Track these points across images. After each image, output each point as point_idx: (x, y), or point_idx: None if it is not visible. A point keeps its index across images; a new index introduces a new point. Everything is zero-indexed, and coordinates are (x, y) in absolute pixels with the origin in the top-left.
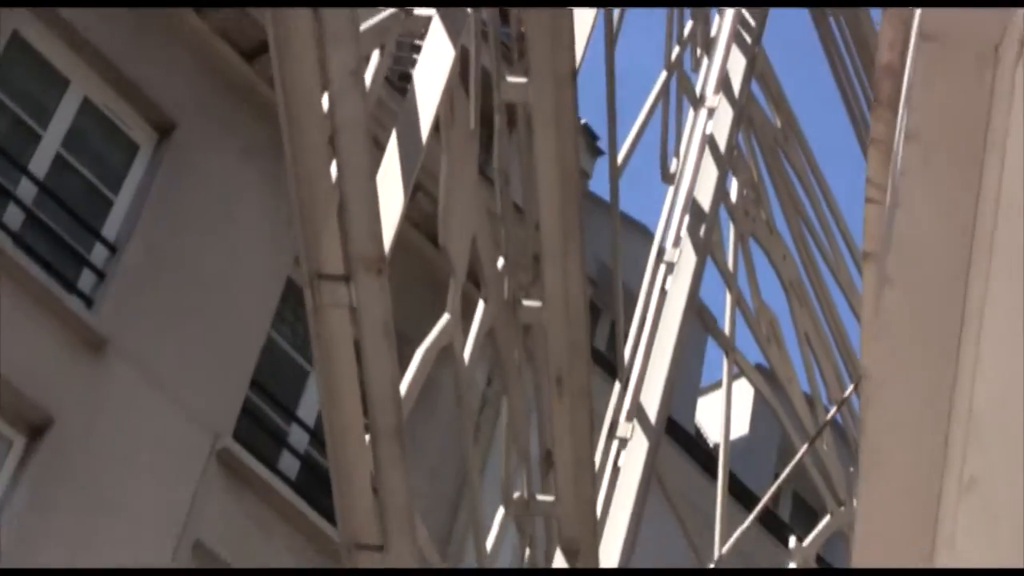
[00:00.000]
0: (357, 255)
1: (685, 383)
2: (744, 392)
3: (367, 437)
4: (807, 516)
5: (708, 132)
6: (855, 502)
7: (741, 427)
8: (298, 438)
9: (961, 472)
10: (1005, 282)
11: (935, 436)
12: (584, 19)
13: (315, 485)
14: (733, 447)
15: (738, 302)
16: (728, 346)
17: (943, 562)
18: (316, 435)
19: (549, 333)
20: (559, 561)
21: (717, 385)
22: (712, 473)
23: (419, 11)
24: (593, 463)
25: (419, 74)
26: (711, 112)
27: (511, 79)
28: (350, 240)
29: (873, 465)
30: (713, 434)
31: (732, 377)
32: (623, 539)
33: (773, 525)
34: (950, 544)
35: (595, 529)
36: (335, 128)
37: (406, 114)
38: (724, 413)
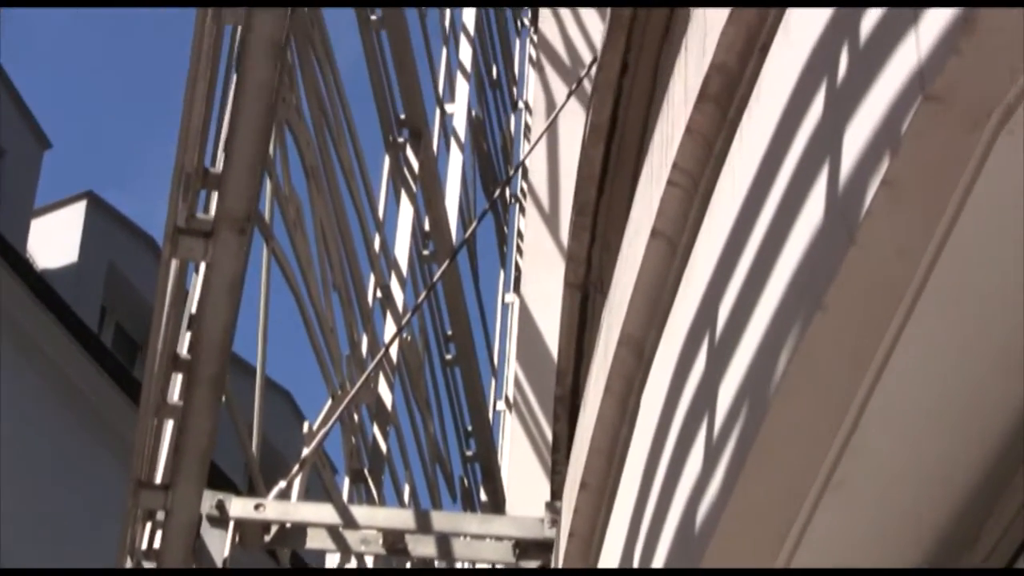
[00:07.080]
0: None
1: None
2: (74, 218)
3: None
4: (129, 346)
5: None
6: None
7: (70, 255)
8: None
9: None
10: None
11: None
12: None
13: None
14: (63, 274)
15: (276, 191)
16: (268, 234)
17: None
18: None
19: None
20: None
21: (53, 206)
22: (43, 299)
23: None
24: None
25: None
26: None
27: None
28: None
29: None
30: (42, 259)
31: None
32: None
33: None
34: None
35: None
36: None
37: None
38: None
